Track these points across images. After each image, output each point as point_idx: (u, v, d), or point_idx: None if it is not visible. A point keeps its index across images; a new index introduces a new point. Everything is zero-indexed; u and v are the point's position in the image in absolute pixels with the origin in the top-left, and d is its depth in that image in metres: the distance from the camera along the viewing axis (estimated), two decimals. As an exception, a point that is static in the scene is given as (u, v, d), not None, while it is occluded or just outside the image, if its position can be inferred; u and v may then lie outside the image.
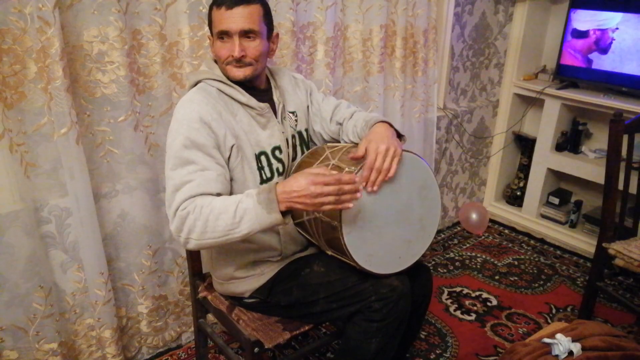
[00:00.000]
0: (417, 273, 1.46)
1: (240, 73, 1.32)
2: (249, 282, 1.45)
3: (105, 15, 1.46)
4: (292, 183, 1.17)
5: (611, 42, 2.43)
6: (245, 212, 1.18)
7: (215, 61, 1.38)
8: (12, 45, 1.35)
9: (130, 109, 1.58)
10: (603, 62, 2.48)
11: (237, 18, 1.25)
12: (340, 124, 1.50)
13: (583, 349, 1.30)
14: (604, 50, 2.46)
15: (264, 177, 1.38)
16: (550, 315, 2.23)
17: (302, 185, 1.15)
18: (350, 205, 1.17)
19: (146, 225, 1.75)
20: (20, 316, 1.54)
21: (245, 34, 1.28)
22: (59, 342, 1.63)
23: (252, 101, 1.35)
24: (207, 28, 1.62)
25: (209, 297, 1.58)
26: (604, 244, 1.89)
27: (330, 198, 1.14)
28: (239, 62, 1.30)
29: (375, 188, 1.25)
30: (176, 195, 1.23)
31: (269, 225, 1.20)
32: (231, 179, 1.33)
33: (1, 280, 1.48)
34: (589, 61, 2.53)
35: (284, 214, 1.19)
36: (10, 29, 1.33)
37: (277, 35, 1.42)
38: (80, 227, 1.56)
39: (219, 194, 1.25)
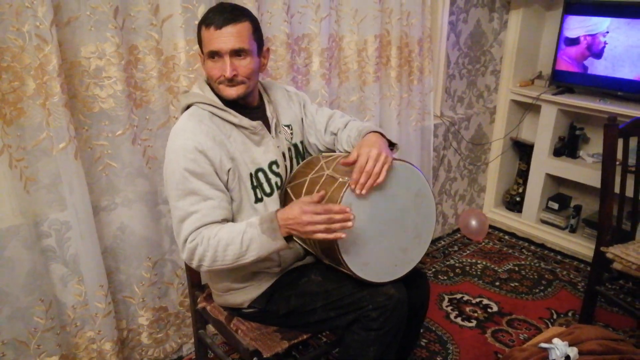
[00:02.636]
0: (415, 280, 1.46)
1: (233, 92, 1.33)
2: (247, 292, 1.46)
3: (102, 32, 1.48)
4: (288, 211, 1.25)
5: (604, 46, 2.45)
6: (251, 241, 1.27)
7: (208, 82, 1.39)
8: (10, 62, 1.37)
9: (128, 122, 1.60)
10: (598, 68, 2.50)
11: (226, 38, 1.26)
12: (335, 134, 1.51)
13: (580, 353, 1.30)
14: (597, 54, 2.48)
15: (259, 196, 1.39)
16: (551, 320, 2.23)
17: (295, 214, 1.22)
18: (343, 235, 1.21)
19: (145, 237, 1.76)
20: (22, 330, 1.55)
21: (236, 53, 1.28)
22: (59, 355, 1.64)
23: (244, 121, 1.36)
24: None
25: (208, 308, 1.59)
26: (601, 248, 1.89)
27: (320, 227, 1.20)
28: (231, 81, 1.31)
29: (364, 192, 1.25)
30: (182, 226, 1.29)
31: (275, 250, 1.29)
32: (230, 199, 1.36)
33: (2, 295, 1.50)
34: (585, 67, 2.55)
35: (287, 238, 1.27)
36: (9, 46, 1.36)
37: (268, 49, 1.43)
38: (80, 240, 1.57)
39: (224, 220, 1.31)
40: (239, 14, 1.28)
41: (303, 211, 1.21)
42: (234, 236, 1.27)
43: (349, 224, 1.21)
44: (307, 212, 1.20)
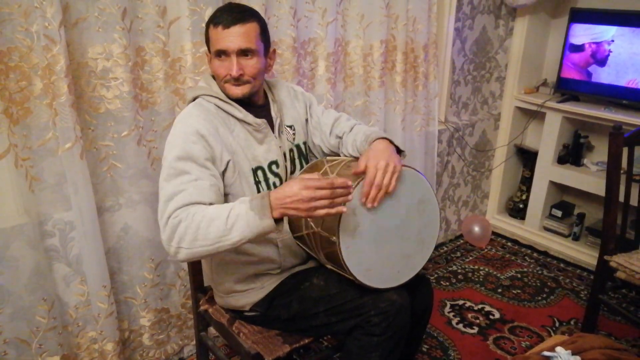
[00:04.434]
0: (418, 286, 1.46)
1: (238, 91, 1.34)
2: (249, 295, 1.46)
3: (110, 33, 1.49)
4: (285, 189, 1.16)
5: (608, 54, 2.45)
6: (237, 217, 1.16)
7: (213, 77, 1.40)
8: (18, 62, 1.38)
9: (133, 124, 1.60)
10: (602, 75, 2.50)
11: (234, 37, 1.27)
12: (340, 138, 1.51)
13: (583, 362, 1.29)
14: (601, 62, 2.48)
15: (261, 192, 1.39)
16: (554, 328, 2.22)
17: (294, 191, 1.14)
18: (344, 209, 1.16)
19: (149, 238, 1.76)
20: (24, 329, 1.55)
21: (243, 52, 1.30)
22: (61, 355, 1.64)
23: (249, 117, 1.37)
24: (209, 45, 1.66)
25: (210, 310, 1.59)
26: (605, 257, 1.89)
27: (324, 202, 1.13)
28: (237, 80, 1.32)
29: (375, 204, 1.26)
30: (168, 205, 1.21)
31: (261, 231, 1.16)
32: (229, 194, 1.35)
33: (5, 293, 1.50)
34: (589, 74, 2.55)
35: (277, 221, 1.17)
36: (17, 46, 1.37)
37: (274, 51, 1.44)
38: (83, 240, 1.57)
39: (211, 204, 1.23)
40: (248, 15, 1.30)
41: (305, 187, 1.13)
42: (221, 211, 1.17)
43: (350, 197, 1.17)
44: (309, 187, 1.13)
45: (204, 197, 1.22)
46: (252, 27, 1.30)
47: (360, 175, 1.29)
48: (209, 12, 1.63)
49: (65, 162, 1.47)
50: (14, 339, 1.54)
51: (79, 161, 1.49)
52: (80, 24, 1.45)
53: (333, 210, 1.14)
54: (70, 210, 1.55)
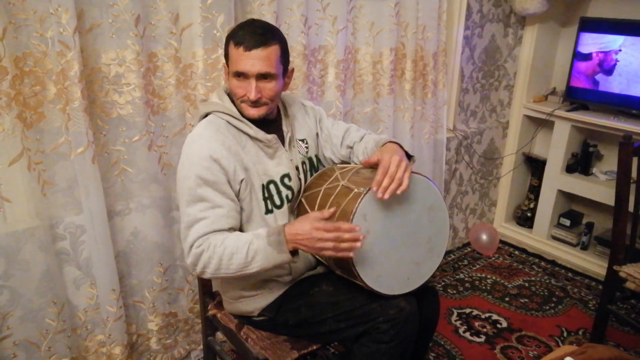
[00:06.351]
0: (425, 296, 1.46)
1: (254, 112, 1.34)
2: (258, 300, 1.46)
3: (123, 39, 1.51)
4: (297, 226, 1.25)
5: (615, 64, 2.45)
6: (256, 252, 1.26)
7: (227, 92, 1.41)
8: (33, 67, 1.40)
9: (144, 129, 1.62)
10: (610, 84, 2.50)
11: (254, 61, 1.26)
12: (351, 147, 1.52)
13: (592, 372, 1.28)
14: (608, 71, 2.48)
15: (269, 207, 1.40)
16: (562, 338, 2.20)
17: (306, 229, 1.22)
18: (351, 254, 1.21)
19: (158, 243, 1.77)
20: (33, 331, 1.56)
21: (262, 76, 1.29)
22: (70, 358, 1.65)
23: (260, 134, 1.37)
24: (220, 51, 1.67)
25: (219, 315, 1.59)
26: (614, 267, 1.88)
27: (329, 244, 1.20)
28: (255, 102, 1.32)
29: (387, 196, 1.24)
30: (190, 232, 1.30)
31: (279, 263, 1.28)
32: (240, 209, 1.37)
33: (16, 296, 1.51)
34: (596, 83, 2.54)
35: (292, 252, 1.26)
36: (32, 52, 1.38)
37: (292, 70, 1.43)
38: (94, 244, 1.58)
39: (231, 228, 1.32)
40: (270, 37, 1.27)
41: (314, 227, 1.21)
42: (240, 246, 1.26)
43: (358, 244, 1.20)
44: (318, 228, 1.20)
45: (222, 224, 1.30)
46: (273, 51, 1.28)
47: (373, 166, 1.34)
48: (221, 19, 1.65)
49: (77, 166, 1.49)
50: (24, 341, 1.55)
51: (91, 165, 1.50)
52: (95, 30, 1.47)
53: (339, 254, 1.22)
54: (81, 214, 1.57)
